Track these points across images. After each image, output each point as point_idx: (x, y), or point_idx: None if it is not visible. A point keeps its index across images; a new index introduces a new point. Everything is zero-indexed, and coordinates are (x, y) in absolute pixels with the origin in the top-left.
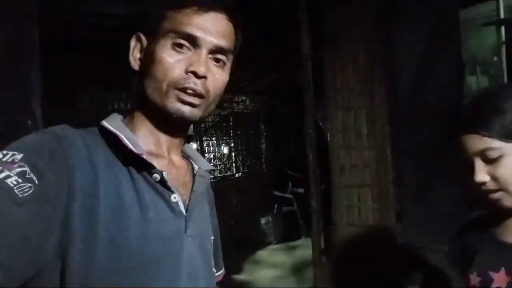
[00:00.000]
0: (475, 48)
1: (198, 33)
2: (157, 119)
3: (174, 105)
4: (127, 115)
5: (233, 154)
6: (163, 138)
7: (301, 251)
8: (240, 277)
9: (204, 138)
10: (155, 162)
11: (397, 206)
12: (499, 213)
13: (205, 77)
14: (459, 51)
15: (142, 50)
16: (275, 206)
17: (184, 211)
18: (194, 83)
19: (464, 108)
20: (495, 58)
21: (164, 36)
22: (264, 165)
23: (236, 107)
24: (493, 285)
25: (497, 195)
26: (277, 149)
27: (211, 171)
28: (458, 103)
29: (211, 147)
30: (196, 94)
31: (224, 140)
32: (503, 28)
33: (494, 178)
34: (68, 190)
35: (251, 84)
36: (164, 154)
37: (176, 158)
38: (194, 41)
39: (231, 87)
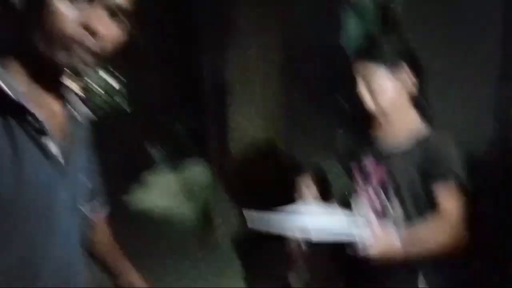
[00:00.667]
0: None
1: None
2: (38, 66)
3: (65, 59)
4: None
5: (123, 89)
6: (42, 83)
7: (192, 171)
8: (130, 199)
9: (93, 72)
10: (31, 106)
11: (287, 134)
12: (365, 119)
13: (101, 35)
14: None
15: None
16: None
17: (59, 158)
18: (89, 40)
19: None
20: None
21: None
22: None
23: (129, 43)
24: (367, 168)
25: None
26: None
27: (89, 116)
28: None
29: (101, 82)
30: (90, 52)
31: (113, 74)
32: None
33: (370, 91)
34: None
35: (143, 20)
36: (41, 99)
37: (54, 103)
38: None
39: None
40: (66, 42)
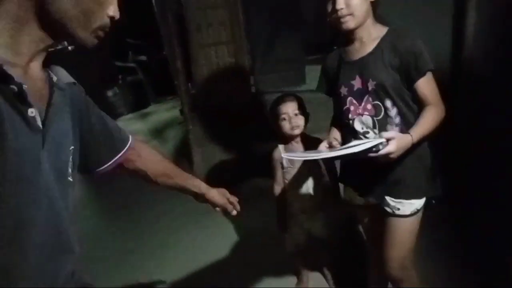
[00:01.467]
0: None
1: None
2: (39, 28)
3: (88, 37)
4: None
5: None
6: (31, 45)
7: (155, 116)
8: None
9: None
10: (11, 72)
11: (250, 59)
12: (345, 38)
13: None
14: None
15: None
16: (119, 77)
17: (40, 126)
18: (107, 23)
19: None
20: None
21: None
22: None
23: None
24: (355, 88)
25: (346, 18)
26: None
27: (74, 83)
28: None
29: None
30: (106, 32)
31: None
32: None
33: (347, 5)
34: None
35: None
36: (22, 63)
37: (35, 68)
38: None
39: None
40: (100, 29)
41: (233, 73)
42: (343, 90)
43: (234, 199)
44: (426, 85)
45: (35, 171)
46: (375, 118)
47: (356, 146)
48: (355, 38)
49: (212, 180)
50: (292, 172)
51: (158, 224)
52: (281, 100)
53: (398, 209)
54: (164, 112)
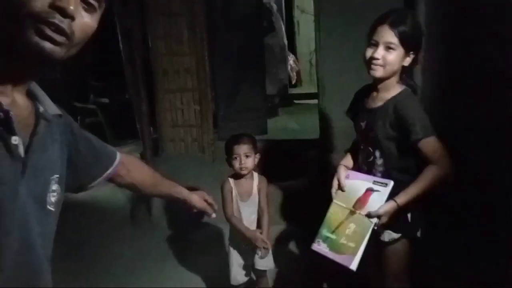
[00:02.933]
0: None
1: None
2: (6, 52)
3: (32, 38)
4: None
5: None
6: (10, 73)
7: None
8: None
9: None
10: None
11: (214, 107)
12: (370, 86)
13: (72, 18)
14: None
15: None
16: (78, 118)
17: (22, 154)
18: (59, 20)
19: (390, 11)
20: None
21: None
22: (58, 74)
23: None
24: (362, 128)
25: (377, 67)
26: (74, 57)
27: (59, 115)
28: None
29: None
30: (59, 31)
31: None
32: None
33: (383, 58)
34: None
35: None
36: (7, 91)
37: (20, 97)
38: None
39: None
40: (35, 20)
41: (198, 119)
42: (358, 124)
43: (212, 201)
44: (425, 146)
45: (10, 198)
46: (367, 160)
47: None
48: (376, 87)
49: (169, 227)
50: (242, 205)
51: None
52: (235, 140)
53: (379, 233)
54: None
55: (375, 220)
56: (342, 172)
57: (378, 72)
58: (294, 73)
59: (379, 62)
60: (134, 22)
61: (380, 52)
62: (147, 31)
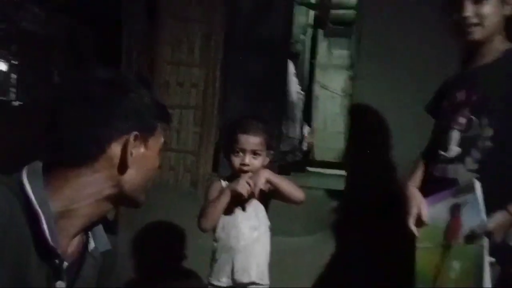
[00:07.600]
0: None
1: None
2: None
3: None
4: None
5: (14, 76)
6: (82, 220)
7: None
8: None
9: None
10: (59, 243)
11: (218, 132)
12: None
13: None
14: None
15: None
16: None
17: None
18: None
19: None
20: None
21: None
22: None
23: (25, 23)
24: (457, 100)
25: (473, 28)
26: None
27: (107, 251)
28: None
29: None
30: None
31: (3, 56)
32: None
33: (476, 14)
34: None
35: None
36: (67, 234)
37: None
38: None
39: None
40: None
41: (195, 144)
42: (444, 104)
43: None
44: None
45: None
46: (463, 134)
47: None
48: (477, 54)
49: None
50: (239, 217)
51: None
52: (242, 127)
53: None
54: None
55: (484, 241)
56: (421, 198)
57: (478, 33)
58: (307, 143)
59: (473, 20)
60: (139, 20)
61: (468, 8)
62: (153, 35)
